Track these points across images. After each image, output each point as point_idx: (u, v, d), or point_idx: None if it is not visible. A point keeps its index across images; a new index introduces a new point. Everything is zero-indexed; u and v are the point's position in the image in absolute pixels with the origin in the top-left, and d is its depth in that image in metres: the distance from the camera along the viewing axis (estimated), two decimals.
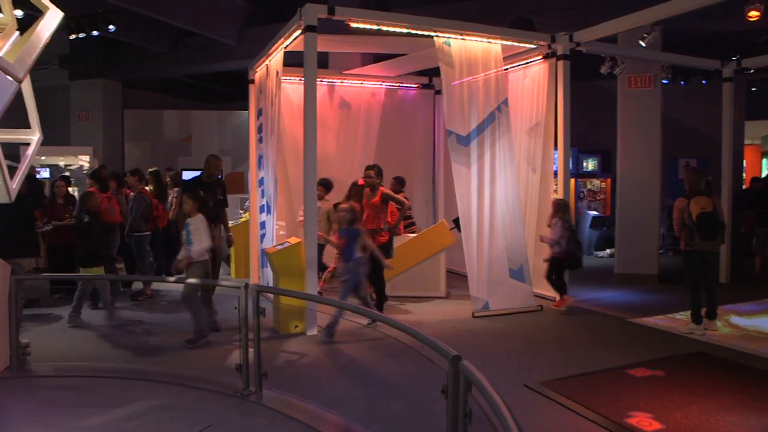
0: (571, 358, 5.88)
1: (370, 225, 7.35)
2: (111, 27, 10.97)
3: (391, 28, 7.54)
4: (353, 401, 4.77)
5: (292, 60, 7.96)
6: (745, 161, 19.02)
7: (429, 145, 11.54)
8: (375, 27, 7.45)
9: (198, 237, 6.31)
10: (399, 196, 8.03)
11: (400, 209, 7.80)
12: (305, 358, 5.95)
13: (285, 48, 7.84)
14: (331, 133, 10.53)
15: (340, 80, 10.73)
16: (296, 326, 6.73)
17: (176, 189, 9.60)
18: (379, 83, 10.91)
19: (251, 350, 4.81)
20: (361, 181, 8.34)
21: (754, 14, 6.68)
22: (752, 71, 10.56)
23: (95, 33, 11.18)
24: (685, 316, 7.57)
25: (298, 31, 7.11)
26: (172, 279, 6.95)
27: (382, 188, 7.61)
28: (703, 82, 13.49)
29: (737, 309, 8.00)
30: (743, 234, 12.28)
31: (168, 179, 10.20)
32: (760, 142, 21.79)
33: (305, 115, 6.91)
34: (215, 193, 7.22)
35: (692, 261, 6.80)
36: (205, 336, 6.25)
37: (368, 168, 7.64)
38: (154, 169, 10.09)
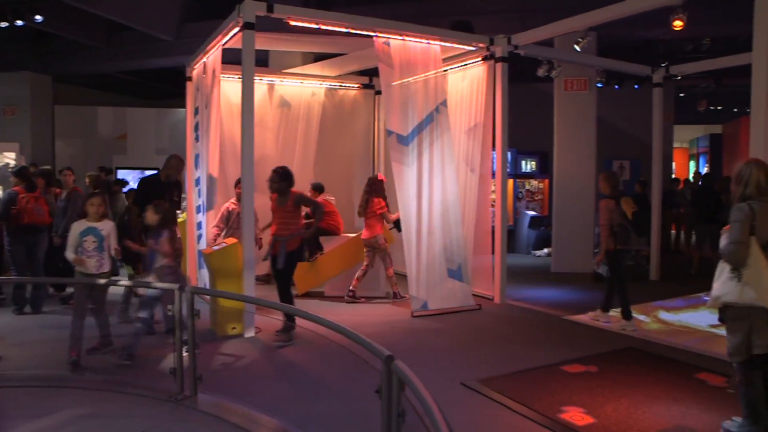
0: (508, 356, 5.98)
1: (280, 232, 6.64)
2: (38, 17, 10.52)
3: (330, 28, 7.53)
4: (289, 403, 4.72)
5: (231, 57, 7.83)
6: (674, 163, 19.81)
7: (369, 145, 11.55)
8: (314, 26, 7.41)
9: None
10: (318, 199, 7.88)
11: (315, 213, 7.05)
12: (242, 360, 5.86)
13: (223, 45, 7.70)
14: (270, 133, 10.41)
15: (279, 79, 10.61)
16: (233, 328, 6.61)
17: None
18: (319, 83, 10.85)
19: (186, 353, 4.71)
20: (380, 176, 8.23)
21: (678, 24, 6.93)
22: (679, 78, 10.98)
23: (19, 23, 10.70)
24: (617, 312, 7.81)
25: (236, 28, 6.99)
26: (103, 281, 6.67)
27: (293, 191, 6.78)
28: (636, 86, 13.99)
29: (665, 305, 8.31)
30: (672, 233, 12.79)
31: (88, 181, 9.75)
32: (688, 146, 22.74)
33: (243, 113, 6.81)
34: (172, 195, 7.02)
35: (623, 258, 7.05)
36: (110, 344, 5.99)
37: (273, 171, 6.73)
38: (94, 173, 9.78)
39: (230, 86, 9.58)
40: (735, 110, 21.60)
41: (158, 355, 5.74)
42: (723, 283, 3.92)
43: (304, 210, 7.25)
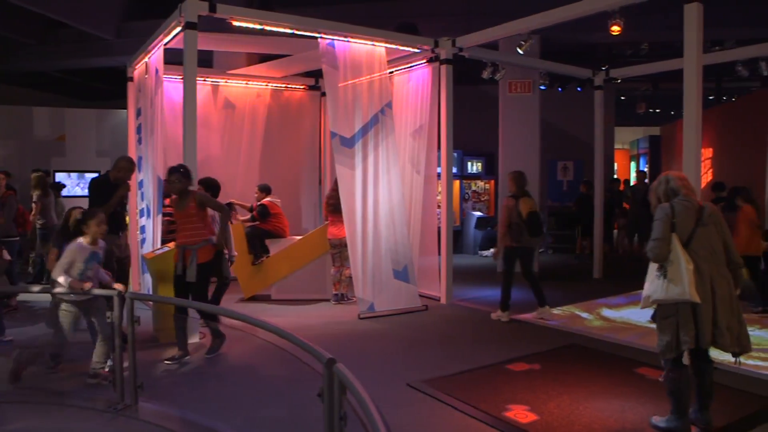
0: (453, 356, 6.02)
1: (191, 239, 5.84)
2: None
3: (274, 28, 7.46)
4: (233, 409, 4.64)
5: (174, 57, 7.67)
6: (616, 164, 20.37)
7: (315, 147, 11.49)
8: (258, 26, 7.33)
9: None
10: (265, 201, 7.68)
11: (221, 216, 6.12)
12: (185, 367, 5.73)
13: (165, 45, 7.54)
14: (215, 134, 10.26)
15: (224, 80, 10.47)
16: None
17: (37, 192, 9.17)
18: (264, 84, 10.75)
19: (126, 361, 4.58)
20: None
21: (615, 29, 7.13)
22: (619, 81, 11.29)
23: None
24: (561, 311, 7.98)
25: (178, 28, 6.86)
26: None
27: (194, 191, 6.07)
28: (578, 89, 14.34)
29: (608, 302, 8.52)
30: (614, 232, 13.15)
31: (34, 181, 9.50)
32: (629, 147, 23.41)
33: (185, 115, 6.68)
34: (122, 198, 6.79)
35: (514, 256, 7.37)
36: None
37: (174, 170, 5.95)
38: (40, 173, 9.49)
39: (174, 87, 9.40)
40: (672, 113, 22.39)
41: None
42: (651, 282, 4.06)
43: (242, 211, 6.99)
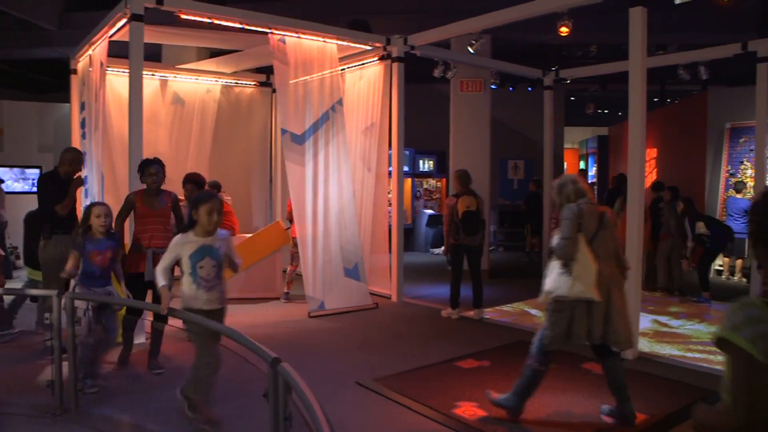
0: (404, 354, 6.02)
1: (158, 240, 5.30)
2: None
3: (224, 23, 7.32)
4: (176, 411, 4.53)
5: (120, 50, 7.46)
6: (566, 163, 20.76)
7: (266, 144, 11.35)
8: (207, 20, 7.18)
9: None
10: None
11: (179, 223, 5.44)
12: (127, 368, 5.57)
13: (110, 37, 7.32)
14: (163, 130, 10.03)
15: (173, 74, 10.24)
16: (120, 335, 6.28)
17: None
18: (215, 79, 10.56)
19: (65, 364, 4.42)
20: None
21: (564, 30, 7.24)
22: (568, 81, 11.49)
23: None
24: (511, 308, 8.08)
25: (124, 20, 6.67)
26: None
27: (168, 190, 5.58)
28: (529, 89, 14.54)
29: None
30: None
31: None
32: (578, 146, 23.89)
33: (130, 109, 6.51)
34: (74, 193, 6.49)
35: (460, 253, 7.44)
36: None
37: (154, 161, 5.46)
38: None
39: (120, 80, 9.14)
40: (620, 114, 22.96)
41: (36, 369, 5.38)
42: (554, 279, 4.21)
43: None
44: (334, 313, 7.61)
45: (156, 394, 4.98)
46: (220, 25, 7.37)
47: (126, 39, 6.64)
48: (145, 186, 5.49)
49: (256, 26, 7.56)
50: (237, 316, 7.43)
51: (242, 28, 7.51)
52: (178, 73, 10.28)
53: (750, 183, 10.59)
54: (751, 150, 10.67)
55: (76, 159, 6.13)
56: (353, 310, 7.79)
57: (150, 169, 5.41)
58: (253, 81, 11.06)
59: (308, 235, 7.67)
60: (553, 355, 4.29)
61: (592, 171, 20.01)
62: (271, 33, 7.69)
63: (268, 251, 8.47)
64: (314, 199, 7.76)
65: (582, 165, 21.85)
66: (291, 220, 8.23)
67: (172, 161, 9.86)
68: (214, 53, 10.50)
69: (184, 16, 7.00)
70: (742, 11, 12.36)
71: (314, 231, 7.73)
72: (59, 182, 5.99)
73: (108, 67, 7.86)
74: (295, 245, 8.21)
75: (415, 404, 4.62)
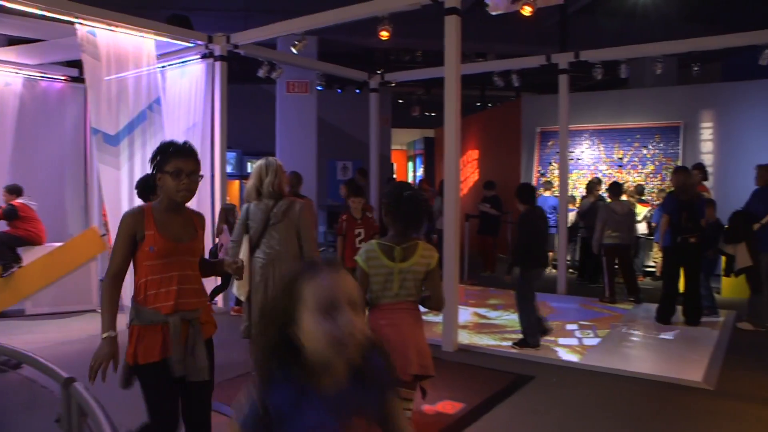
0: (229, 363, 5.83)
1: None
2: None
3: (19, 7, 6.59)
4: None
5: None
6: (395, 164, 21.46)
7: (80, 145, 10.47)
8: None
9: None
10: (16, 203, 6.72)
11: None
12: None
13: None
14: None
15: None
16: None
17: None
18: (15, 71, 9.55)
19: None
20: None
21: (384, 34, 7.41)
22: (393, 84, 11.84)
23: None
24: None
25: None
26: None
27: None
28: (357, 91, 14.79)
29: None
30: None
31: None
32: (407, 148, 24.80)
33: None
34: None
35: None
36: None
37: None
38: None
39: None
40: None
41: None
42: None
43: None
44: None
45: None
46: (14, 9, 6.60)
47: None
48: None
49: (61, 14, 6.91)
50: (47, 332, 6.83)
51: (44, 16, 6.82)
52: None
53: (556, 182, 11.57)
54: (557, 152, 11.67)
55: None
56: None
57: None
58: (63, 75, 10.15)
59: None
60: None
61: (420, 171, 20.88)
62: (80, 23, 7.09)
63: (82, 260, 7.85)
64: (130, 205, 7.28)
65: (411, 166, 22.72)
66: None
67: None
68: (13, 41, 9.48)
69: None
70: (544, 28, 13.50)
71: None
72: None
73: None
74: None
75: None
